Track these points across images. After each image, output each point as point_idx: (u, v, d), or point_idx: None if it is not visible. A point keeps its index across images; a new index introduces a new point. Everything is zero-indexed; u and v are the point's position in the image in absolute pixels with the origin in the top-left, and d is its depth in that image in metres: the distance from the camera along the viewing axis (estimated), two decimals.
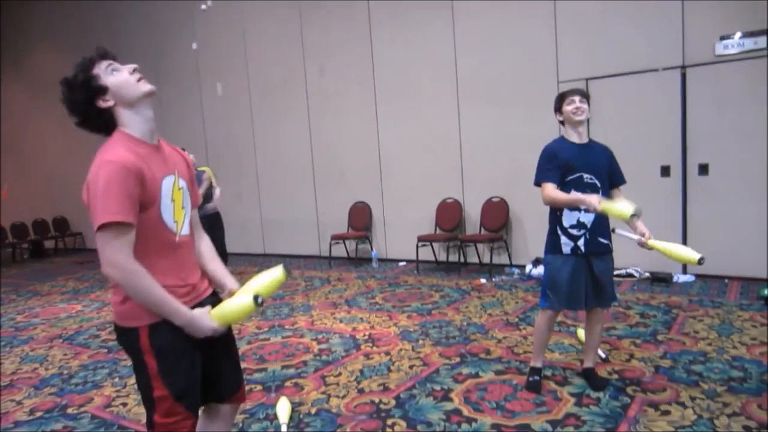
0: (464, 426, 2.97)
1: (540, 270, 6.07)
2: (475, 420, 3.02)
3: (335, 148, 8.46)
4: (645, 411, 2.99)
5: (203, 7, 8.12)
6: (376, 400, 3.37)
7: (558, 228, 3.22)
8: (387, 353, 4.19)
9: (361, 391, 3.52)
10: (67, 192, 12.54)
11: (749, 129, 5.51)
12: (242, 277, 2.42)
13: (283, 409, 3.17)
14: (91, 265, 10.02)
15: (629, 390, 3.26)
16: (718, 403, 3.02)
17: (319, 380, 3.76)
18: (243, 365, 2.66)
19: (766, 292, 4.87)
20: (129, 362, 4.37)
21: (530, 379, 3.41)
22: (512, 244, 7.11)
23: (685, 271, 5.95)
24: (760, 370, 3.44)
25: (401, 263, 7.88)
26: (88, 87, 1.81)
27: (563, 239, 3.20)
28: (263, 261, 8.90)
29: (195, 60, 9.68)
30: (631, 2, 5.94)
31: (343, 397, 3.46)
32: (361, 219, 8.25)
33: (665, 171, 5.95)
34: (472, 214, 7.36)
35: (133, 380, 3.94)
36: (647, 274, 5.97)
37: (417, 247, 7.29)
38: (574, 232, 3.18)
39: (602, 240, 3.19)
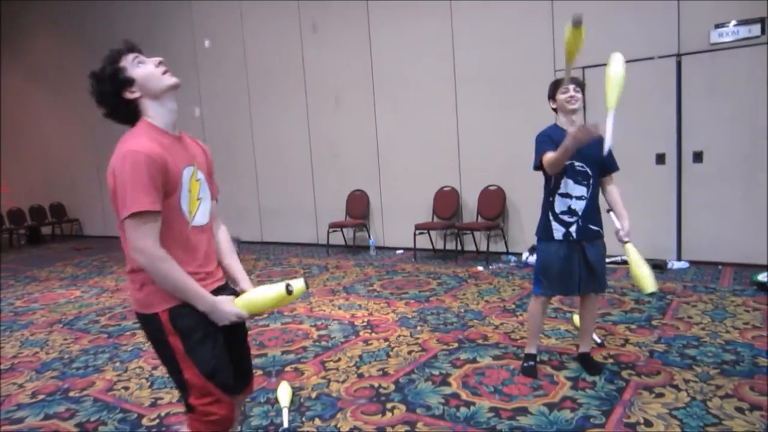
0: (463, 409, 3.02)
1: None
2: (474, 404, 3.08)
3: (333, 136, 8.48)
4: (640, 394, 3.05)
5: (206, 44, 8.36)
6: (376, 385, 3.42)
7: (550, 214, 3.25)
8: (386, 339, 4.24)
9: (360, 376, 3.57)
10: (64, 178, 12.56)
11: (743, 117, 5.56)
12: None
13: (284, 392, 3.22)
14: (89, 251, 10.05)
15: (624, 374, 3.32)
16: (711, 386, 3.09)
17: (318, 365, 3.80)
18: None
19: (758, 277, 4.94)
20: (129, 347, 4.45)
21: (525, 365, 3.45)
22: (509, 232, 7.17)
23: (679, 258, 6.01)
24: (752, 353, 3.50)
25: (399, 251, 7.93)
26: (116, 79, 1.85)
27: (555, 225, 3.24)
28: (261, 249, 8.93)
29: (193, 47, 9.66)
30: None
31: (343, 381, 3.51)
32: (358, 207, 8.29)
33: (660, 159, 6.00)
34: (469, 202, 7.40)
35: (134, 365, 4.02)
36: None
37: (414, 235, 7.34)
38: (565, 218, 3.22)
39: (593, 227, 3.22)
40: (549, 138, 3.16)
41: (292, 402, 3.22)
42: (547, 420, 2.84)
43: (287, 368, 3.78)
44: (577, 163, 3.16)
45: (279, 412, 3.11)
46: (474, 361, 3.70)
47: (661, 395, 3.02)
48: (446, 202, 7.48)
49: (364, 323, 4.69)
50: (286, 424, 2.97)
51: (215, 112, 9.73)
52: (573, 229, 3.21)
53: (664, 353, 3.60)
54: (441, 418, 2.94)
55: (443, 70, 7.33)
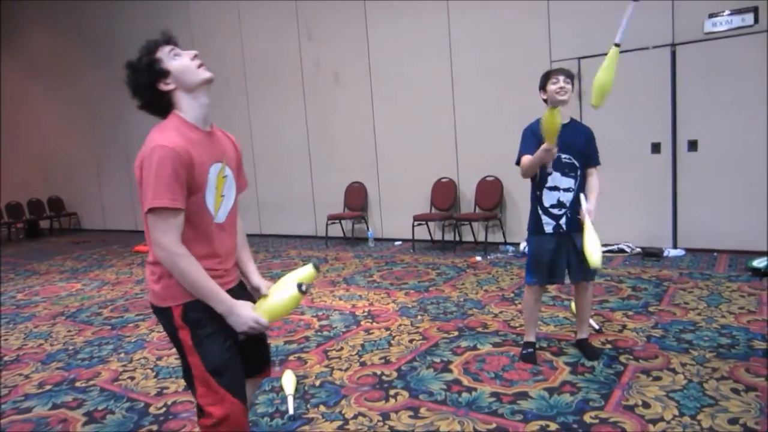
0: (464, 395, 3.08)
1: None
2: (475, 389, 3.13)
3: (331, 128, 8.50)
4: (638, 377, 3.12)
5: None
6: (378, 372, 3.47)
7: (539, 208, 3.31)
8: (387, 329, 4.30)
9: (363, 364, 3.62)
10: (62, 172, 12.56)
11: (738, 105, 5.62)
12: None
13: (288, 380, 3.26)
14: (88, 245, 10.07)
15: (622, 358, 3.38)
16: (707, 369, 3.15)
17: (321, 354, 3.86)
18: None
19: (753, 263, 5.01)
20: (133, 339, 4.50)
21: (524, 351, 3.51)
22: (506, 223, 7.22)
23: (675, 246, 6.08)
24: (747, 337, 3.57)
25: (397, 242, 7.98)
26: (152, 70, 1.85)
27: (545, 219, 3.29)
28: (260, 241, 8.97)
29: (190, 39, 9.65)
30: None
31: (346, 370, 3.56)
32: (357, 199, 8.33)
33: (656, 148, 6.05)
34: (467, 193, 7.45)
35: (138, 355, 4.07)
36: (638, 250, 6.09)
37: (413, 226, 7.38)
38: (555, 211, 3.27)
39: (580, 217, 3.27)
40: (532, 134, 3.23)
41: (296, 390, 3.27)
42: (547, 404, 2.90)
43: (290, 357, 3.83)
44: (563, 156, 3.21)
45: (284, 400, 3.16)
46: (474, 348, 3.76)
47: (658, 378, 3.08)
48: (444, 194, 7.53)
49: (365, 313, 4.74)
50: (291, 411, 3.02)
51: (214, 112, 9.64)
52: (563, 221, 3.27)
53: (661, 338, 3.67)
54: (443, 404, 3.00)
55: (441, 66, 7.35)
